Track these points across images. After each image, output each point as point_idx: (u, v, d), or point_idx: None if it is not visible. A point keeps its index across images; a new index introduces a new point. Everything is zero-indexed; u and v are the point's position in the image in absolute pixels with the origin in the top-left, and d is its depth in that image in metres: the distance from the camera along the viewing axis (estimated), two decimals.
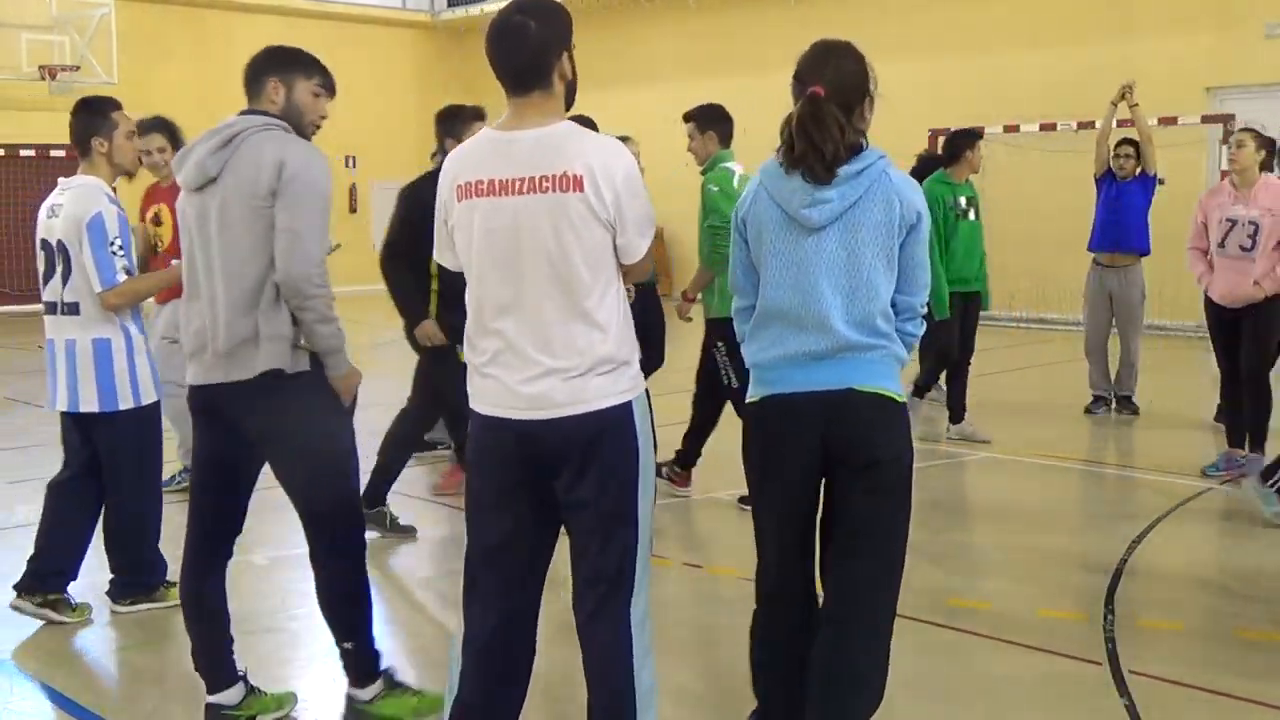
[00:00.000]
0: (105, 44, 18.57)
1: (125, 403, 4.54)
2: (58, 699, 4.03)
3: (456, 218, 2.92)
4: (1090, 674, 4.12)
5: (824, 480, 3.08)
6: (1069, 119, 13.58)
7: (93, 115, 4.59)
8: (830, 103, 2.94)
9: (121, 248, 4.48)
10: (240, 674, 3.71)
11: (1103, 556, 5.42)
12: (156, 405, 4.69)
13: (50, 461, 4.93)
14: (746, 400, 3.16)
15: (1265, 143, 8.24)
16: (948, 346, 7.77)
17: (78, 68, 18.41)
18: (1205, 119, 13.78)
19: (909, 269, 3.04)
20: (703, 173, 6.17)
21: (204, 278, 3.50)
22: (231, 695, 3.66)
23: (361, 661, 3.70)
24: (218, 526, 3.67)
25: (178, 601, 3.86)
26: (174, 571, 4.14)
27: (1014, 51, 15.93)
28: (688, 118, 6.20)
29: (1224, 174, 6.72)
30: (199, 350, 3.53)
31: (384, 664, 3.78)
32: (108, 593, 4.81)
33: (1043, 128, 14.17)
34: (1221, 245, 6.68)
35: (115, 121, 4.59)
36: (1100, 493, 7.07)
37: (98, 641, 4.56)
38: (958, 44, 16.54)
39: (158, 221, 6.27)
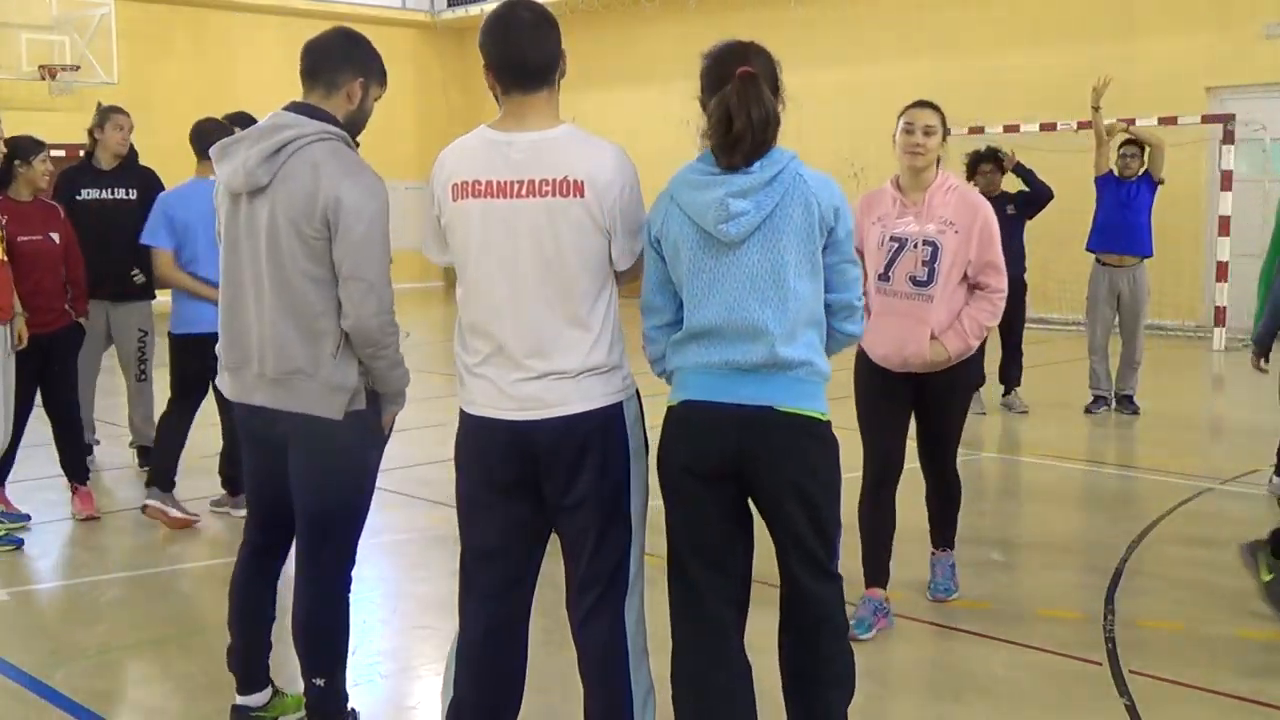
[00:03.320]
0: (105, 44, 18.58)
1: None
2: (57, 699, 4.03)
3: (450, 217, 2.91)
4: (1090, 674, 4.12)
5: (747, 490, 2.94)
6: (1069, 119, 13.57)
7: None
8: (762, 81, 2.82)
9: None
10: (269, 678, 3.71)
11: (1103, 556, 5.42)
12: None
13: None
14: (667, 404, 2.98)
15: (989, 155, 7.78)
16: None
17: (78, 68, 18.43)
18: (1205, 119, 13.79)
19: (836, 266, 2.91)
20: None
21: (253, 294, 3.26)
22: (260, 698, 3.66)
23: (329, 701, 3.50)
24: (272, 536, 3.57)
25: None
26: None
27: (1014, 51, 15.94)
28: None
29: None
30: (240, 366, 3.35)
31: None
32: None
33: (1043, 128, 14.15)
34: (885, 277, 4.35)
35: None
36: (1100, 493, 7.06)
37: (96, 641, 4.56)
38: (958, 44, 16.54)
39: None
